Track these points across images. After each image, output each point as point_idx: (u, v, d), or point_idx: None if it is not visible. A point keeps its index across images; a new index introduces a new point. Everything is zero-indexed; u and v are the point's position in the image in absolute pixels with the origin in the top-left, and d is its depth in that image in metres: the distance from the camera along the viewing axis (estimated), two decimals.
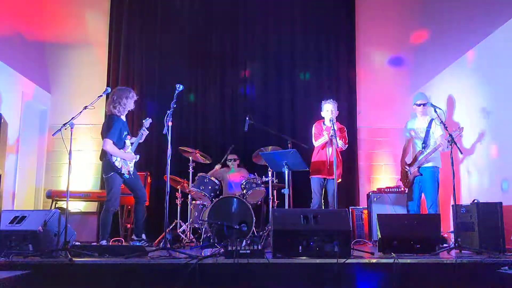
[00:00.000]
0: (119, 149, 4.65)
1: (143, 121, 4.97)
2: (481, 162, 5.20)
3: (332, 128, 4.88)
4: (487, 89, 5.14)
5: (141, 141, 4.96)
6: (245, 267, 3.29)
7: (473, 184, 5.35)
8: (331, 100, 5.26)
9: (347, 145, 5.22)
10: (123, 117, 4.84)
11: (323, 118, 5.32)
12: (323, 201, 5.26)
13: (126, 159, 4.69)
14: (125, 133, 4.77)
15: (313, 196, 5.22)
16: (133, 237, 4.81)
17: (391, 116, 7.07)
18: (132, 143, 4.86)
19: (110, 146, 4.58)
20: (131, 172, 4.74)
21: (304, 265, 3.39)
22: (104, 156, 4.64)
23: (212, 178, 5.32)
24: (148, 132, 4.97)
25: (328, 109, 5.20)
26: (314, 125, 5.38)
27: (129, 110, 4.89)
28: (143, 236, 4.77)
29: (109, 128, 4.65)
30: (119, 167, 4.60)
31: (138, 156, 4.88)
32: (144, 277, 3.36)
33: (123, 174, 4.65)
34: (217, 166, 6.05)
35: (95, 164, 6.86)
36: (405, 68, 7.23)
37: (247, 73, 7.04)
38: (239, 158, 6.15)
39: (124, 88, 4.96)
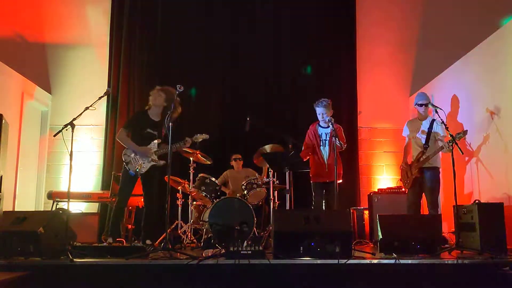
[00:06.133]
0: (135, 143, 4.64)
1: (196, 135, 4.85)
2: (483, 162, 5.18)
3: (333, 135, 4.76)
4: (490, 89, 5.13)
5: (174, 150, 4.71)
6: (246, 267, 3.29)
7: (475, 184, 5.34)
8: (322, 102, 5.03)
9: (346, 144, 5.03)
10: (153, 116, 4.76)
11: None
12: (325, 203, 5.21)
13: (138, 153, 4.62)
14: (148, 130, 4.71)
15: (314, 200, 5.14)
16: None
17: (391, 116, 7.06)
18: (159, 145, 4.71)
19: (120, 134, 4.65)
20: (140, 172, 4.64)
21: (305, 265, 3.39)
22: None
23: (213, 179, 5.31)
24: (188, 144, 4.83)
25: (319, 112, 5.08)
26: (309, 128, 5.28)
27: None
28: (148, 242, 4.68)
29: (128, 119, 4.72)
30: (126, 161, 4.60)
31: (162, 162, 4.72)
32: (145, 278, 3.36)
33: (129, 170, 4.61)
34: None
35: (96, 165, 6.87)
36: (406, 68, 7.22)
37: (248, 73, 7.02)
38: (243, 159, 6.12)
39: (158, 87, 4.88)
